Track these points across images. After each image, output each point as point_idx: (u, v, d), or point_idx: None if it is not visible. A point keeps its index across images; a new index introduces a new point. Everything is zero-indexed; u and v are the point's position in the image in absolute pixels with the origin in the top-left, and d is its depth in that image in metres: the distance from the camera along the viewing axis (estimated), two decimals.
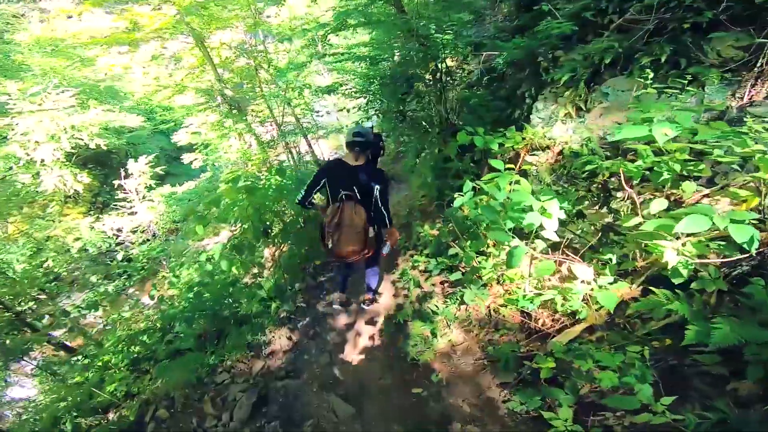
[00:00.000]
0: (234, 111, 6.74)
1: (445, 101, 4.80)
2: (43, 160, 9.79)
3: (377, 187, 2.49)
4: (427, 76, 4.97)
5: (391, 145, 9.54)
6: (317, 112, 9.20)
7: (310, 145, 9.20)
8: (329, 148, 12.07)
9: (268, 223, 4.12)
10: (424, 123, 5.35)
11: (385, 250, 3.02)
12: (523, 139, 3.30)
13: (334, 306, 3.40)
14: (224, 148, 7.62)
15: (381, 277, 3.82)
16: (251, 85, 8.07)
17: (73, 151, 10.01)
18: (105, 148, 10.28)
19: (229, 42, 7.21)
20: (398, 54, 6.87)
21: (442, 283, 3.68)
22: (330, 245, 2.51)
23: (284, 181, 4.45)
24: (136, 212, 9.55)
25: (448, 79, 4.99)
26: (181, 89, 6.93)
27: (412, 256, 4.33)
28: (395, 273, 4.21)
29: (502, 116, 4.27)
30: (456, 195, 2.72)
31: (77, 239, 11.11)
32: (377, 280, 3.45)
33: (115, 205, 9.65)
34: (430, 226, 4.29)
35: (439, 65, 4.69)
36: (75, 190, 10.47)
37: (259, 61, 7.84)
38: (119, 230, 9.66)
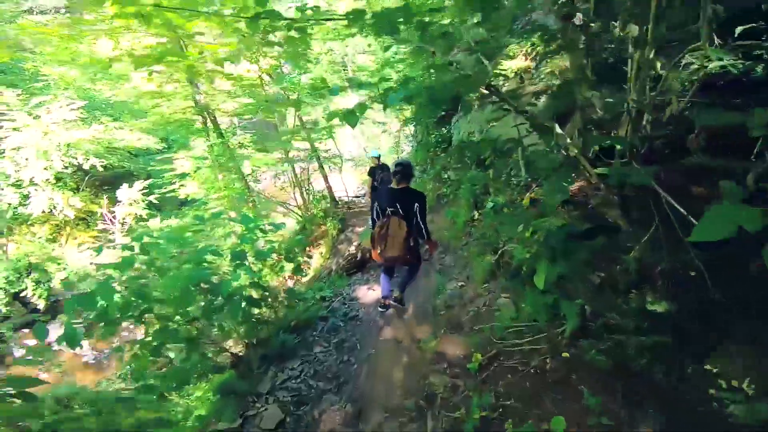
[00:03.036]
0: (208, 125, 4.93)
1: (645, 78, 2.02)
2: (32, 179, 8.68)
3: (416, 204, 3.01)
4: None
5: (428, 185, 7.07)
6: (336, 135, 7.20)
7: (326, 179, 7.16)
8: (357, 184, 9.84)
9: None
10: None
11: (428, 257, 3.45)
12: None
13: (379, 309, 3.58)
14: (194, 178, 5.77)
15: (407, 283, 3.51)
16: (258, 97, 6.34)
17: (65, 171, 8.80)
18: (101, 168, 9.00)
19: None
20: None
21: None
22: (380, 251, 3.05)
23: None
24: (115, 247, 7.91)
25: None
26: (152, 95, 5.28)
27: None
28: None
29: None
30: None
31: (62, 268, 9.82)
32: (405, 285, 3.51)
33: (96, 237, 8.13)
34: None
35: None
36: (65, 214, 9.24)
37: (265, 70, 6.09)
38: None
